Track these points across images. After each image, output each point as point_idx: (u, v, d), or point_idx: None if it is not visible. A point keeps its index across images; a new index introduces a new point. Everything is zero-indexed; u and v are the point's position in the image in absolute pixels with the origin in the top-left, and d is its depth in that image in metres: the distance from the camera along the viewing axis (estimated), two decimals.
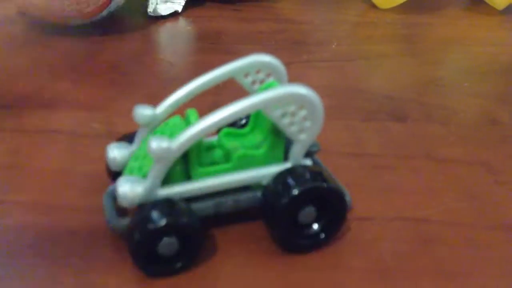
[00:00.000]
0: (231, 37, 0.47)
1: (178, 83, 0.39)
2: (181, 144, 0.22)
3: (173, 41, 0.47)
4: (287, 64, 0.42)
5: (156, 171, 0.22)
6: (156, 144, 0.22)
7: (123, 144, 0.25)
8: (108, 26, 0.48)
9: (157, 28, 0.49)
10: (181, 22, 0.51)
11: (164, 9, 0.51)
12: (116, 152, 0.25)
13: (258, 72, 0.26)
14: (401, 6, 0.55)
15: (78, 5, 0.43)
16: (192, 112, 0.25)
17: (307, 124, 0.23)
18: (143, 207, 0.22)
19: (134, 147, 0.25)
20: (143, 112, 0.25)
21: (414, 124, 0.34)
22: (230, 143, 0.25)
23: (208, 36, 0.47)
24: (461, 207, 0.27)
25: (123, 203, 0.22)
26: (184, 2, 0.52)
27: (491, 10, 0.55)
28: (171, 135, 0.24)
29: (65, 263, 0.23)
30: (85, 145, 0.31)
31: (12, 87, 0.37)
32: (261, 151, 0.24)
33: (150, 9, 0.51)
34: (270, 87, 0.25)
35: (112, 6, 0.46)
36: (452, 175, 0.29)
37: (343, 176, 0.28)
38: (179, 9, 0.52)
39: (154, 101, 0.36)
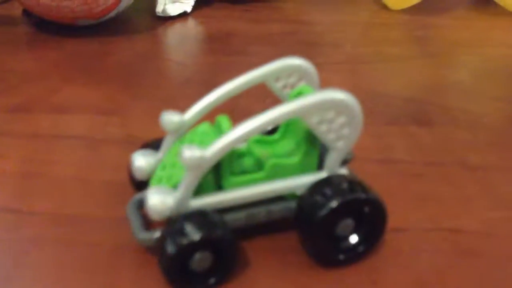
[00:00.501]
0: (242, 38, 0.46)
1: (191, 85, 0.38)
2: (216, 153, 0.21)
3: (183, 42, 0.45)
4: None
5: (188, 181, 0.21)
6: (189, 153, 0.20)
7: (149, 152, 0.24)
8: (116, 27, 0.47)
9: (166, 28, 0.48)
10: (190, 22, 0.50)
11: (173, 9, 0.50)
12: (142, 161, 0.24)
13: (289, 76, 0.25)
14: (412, 7, 0.54)
15: (87, 5, 0.42)
16: (223, 119, 0.24)
17: (345, 131, 0.22)
18: (175, 220, 0.21)
19: (160, 154, 0.24)
20: (171, 118, 0.23)
21: (439, 128, 0.34)
22: (261, 151, 0.24)
23: (218, 37, 0.46)
24: (497, 217, 0.26)
25: (154, 215, 0.21)
26: (193, 2, 0.51)
27: (503, 11, 0.55)
28: (201, 143, 0.23)
29: (88, 279, 0.22)
30: (103, 150, 0.30)
31: (23, 90, 0.36)
32: (295, 159, 0.23)
33: (158, 9, 0.49)
34: (303, 92, 0.24)
35: (122, 6, 0.44)
36: (485, 183, 0.28)
37: (372, 184, 0.27)
38: (188, 9, 0.50)
39: (168, 103, 0.35)
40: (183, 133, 0.24)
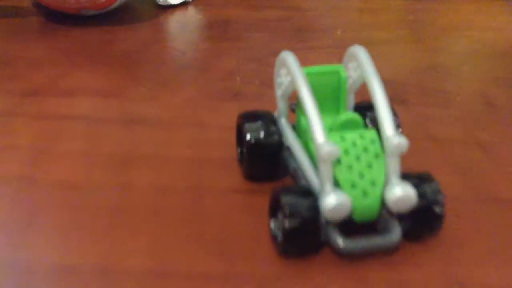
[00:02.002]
0: (239, 24, 0.49)
1: (188, 70, 0.41)
2: None
3: (183, 30, 0.48)
4: (293, 50, 0.44)
5: None
6: None
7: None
8: (120, 16, 0.50)
9: (167, 17, 0.51)
10: (191, 10, 0.53)
11: None
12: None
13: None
14: None
15: None
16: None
17: None
18: None
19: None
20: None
21: (414, 106, 0.36)
22: None
23: (217, 24, 0.49)
24: (452, 181, 0.29)
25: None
26: None
27: None
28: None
29: (89, 237, 0.25)
30: (103, 128, 0.33)
31: (33, 76, 0.39)
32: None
33: None
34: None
35: None
36: (448, 154, 0.31)
37: None
38: None
39: (166, 86, 0.38)
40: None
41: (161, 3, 0.52)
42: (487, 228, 0.26)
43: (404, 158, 0.31)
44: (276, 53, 0.43)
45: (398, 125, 0.28)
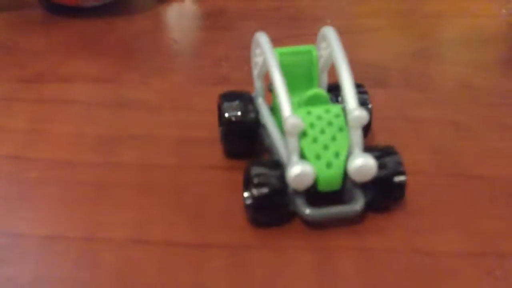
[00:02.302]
0: (233, 14, 0.51)
1: (180, 58, 0.43)
2: None
3: (178, 20, 0.50)
4: (280, 39, 0.46)
5: None
6: None
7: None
8: (119, 7, 0.52)
9: (165, 8, 0.53)
10: (188, 2, 0.54)
11: None
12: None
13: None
14: None
15: None
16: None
17: None
18: None
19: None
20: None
21: (394, 90, 0.38)
22: None
23: (211, 15, 0.51)
24: (423, 158, 0.30)
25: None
26: None
27: None
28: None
29: (77, 209, 0.27)
30: (97, 111, 0.35)
31: (33, 64, 0.42)
32: None
33: None
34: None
35: None
36: (420, 132, 0.33)
37: None
38: None
39: (158, 72, 0.40)
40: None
41: None
42: (451, 201, 0.28)
43: (377, 136, 0.33)
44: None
45: (366, 102, 0.29)
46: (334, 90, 0.30)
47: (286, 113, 0.25)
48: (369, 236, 0.25)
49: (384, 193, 0.26)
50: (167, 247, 0.25)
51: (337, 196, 0.26)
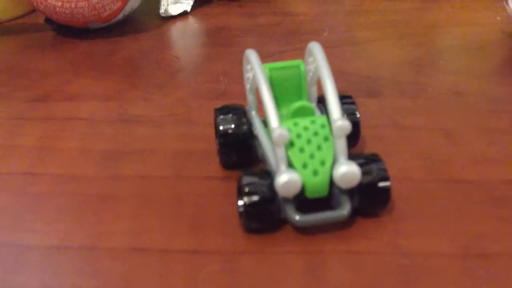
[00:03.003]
0: (233, 31, 0.52)
1: (181, 74, 0.45)
2: None
3: (180, 38, 0.52)
4: (280, 53, 0.48)
5: None
6: None
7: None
8: (124, 28, 0.54)
9: (168, 27, 0.55)
10: (190, 20, 0.56)
11: (174, 9, 0.57)
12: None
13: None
14: None
15: (96, 11, 0.49)
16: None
17: None
18: None
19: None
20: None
21: (385, 99, 0.39)
22: None
23: (211, 32, 0.53)
24: (413, 165, 0.32)
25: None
26: (192, 1, 0.58)
27: None
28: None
29: (83, 219, 0.29)
30: (101, 127, 0.37)
31: (43, 84, 0.44)
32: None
33: (161, 10, 0.56)
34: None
35: (127, 9, 0.51)
36: (410, 139, 0.34)
37: None
38: (188, 8, 0.57)
39: (160, 89, 0.42)
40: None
41: (163, 15, 0.56)
42: (438, 205, 0.29)
43: (369, 144, 0.34)
44: (265, 55, 0.47)
45: (354, 112, 0.30)
46: (324, 101, 0.31)
47: (273, 125, 0.26)
48: (357, 240, 0.27)
49: (369, 198, 0.27)
50: (165, 254, 0.26)
51: (325, 202, 0.27)
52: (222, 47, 0.49)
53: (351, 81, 0.42)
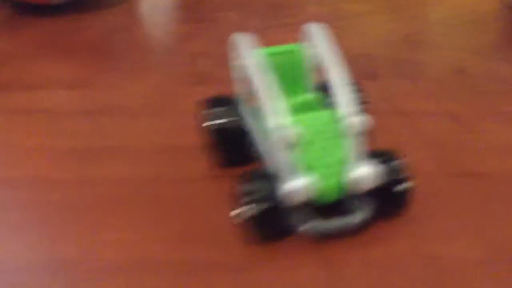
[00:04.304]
0: (211, 4, 0.48)
1: (154, 56, 0.40)
2: None
3: (152, 13, 0.47)
4: (264, 29, 0.43)
5: None
6: None
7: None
8: (88, 3, 0.49)
9: (137, 1, 0.50)
10: None
11: None
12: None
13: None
14: None
15: None
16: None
17: None
18: None
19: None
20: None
21: (383, 80, 0.35)
22: None
23: (188, 5, 0.48)
24: (422, 157, 0.28)
25: None
26: None
27: None
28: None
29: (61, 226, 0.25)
30: (64, 121, 0.33)
31: (1, 70, 0.39)
32: None
33: None
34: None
35: None
36: (416, 127, 0.31)
37: None
38: None
39: (131, 75, 0.37)
40: None
41: None
42: (456, 203, 0.26)
43: (372, 134, 0.30)
44: (248, 32, 0.42)
45: (363, 102, 0.27)
46: (324, 90, 0.28)
47: (274, 124, 0.22)
48: (375, 246, 0.23)
49: (387, 201, 0.23)
50: (166, 268, 0.23)
51: (339, 207, 0.24)
52: (200, 23, 0.45)
53: (346, 60, 0.38)
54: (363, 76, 0.36)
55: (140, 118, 0.33)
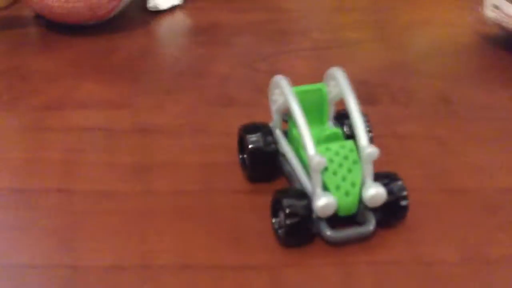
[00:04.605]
0: (227, 28, 0.54)
1: (185, 77, 0.46)
2: None
3: (174, 35, 0.54)
4: (276, 54, 0.50)
5: None
6: None
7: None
8: (115, 24, 0.54)
9: (159, 22, 0.56)
10: (179, 15, 0.57)
11: (163, 3, 0.57)
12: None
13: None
14: None
15: (93, 11, 0.49)
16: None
17: None
18: None
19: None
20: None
21: (381, 106, 0.43)
22: None
23: (205, 29, 0.54)
24: (414, 174, 0.36)
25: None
26: None
27: None
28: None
29: (122, 234, 0.31)
30: (121, 138, 0.39)
31: (49, 89, 0.44)
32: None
33: (150, 4, 0.57)
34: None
35: (121, 6, 0.52)
36: (409, 148, 0.38)
37: None
38: (177, 2, 0.58)
39: (170, 95, 0.43)
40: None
41: (151, 9, 0.57)
42: (445, 213, 0.33)
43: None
44: (264, 57, 0.49)
45: (369, 130, 0.34)
46: (340, 118, 0.35)
47: (311, 152, 0.29)
48: (379, 251, 0.31)
49: (391, 214, 0.31)
50: (213, 271, 0.29)
51: (351, 218, 0.31)
52: (218, 46, 0.51)
53: None
54: (365, 102, 0.43)
55: (181, 136, 0.39)
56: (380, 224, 0.31)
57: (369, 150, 0.29)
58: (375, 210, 0.30)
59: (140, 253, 0.30)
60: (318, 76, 0.45)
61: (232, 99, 0.43)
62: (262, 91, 0.43)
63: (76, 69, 0.47)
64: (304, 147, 0.30)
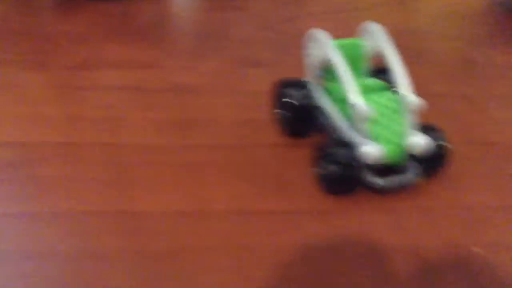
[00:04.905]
0: None
1: (208, 40, 0.47)
2: None
3: (190, 2, 0.54)
4: (293, 18, 0.51)
5: None
6: None
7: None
8: None
9: None
10: None
11: None
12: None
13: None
14: None
15: None
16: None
17: None
18: None
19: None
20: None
21: (409, 67, 0.44)
22: None
23: None
24: (445, 130, 0.37)
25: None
26: None
27: None
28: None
29: (176, 183, 0.32)
30: (154, 97, 0.39)
31: (77, 50, 0.44)
32: None
33: None
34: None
35: None
36: (438, 105, 0.39)
37: None
38: None
39: (196, 57, 0.44)
40: None
41: None
42: (477, 164, 0.35)
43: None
44: (282, 21, 0.50)
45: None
46: (379, 73, 0.35)
47: (356, 101, 0.30)
48: (427, 198, 0.32)
49: (435, 163, 0.32)
50: (265, 215, 0.30)
51: (394, 168, 0.32)
52: (236, 11, 0.51)
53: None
54: None
55: (211, 95, 0.40)
56: (423, 173, 0.32)
57: (410, 98, 0.30)
58: (418, 159, 0.31)
59: (196, 200, 0.31)
60: (337, 38, 0.47)
61: (257, 60, 0.44)
62: (286, 51, 0.44)
63: (100, 31, 0.47)
64: (348, 97, 0.31)
